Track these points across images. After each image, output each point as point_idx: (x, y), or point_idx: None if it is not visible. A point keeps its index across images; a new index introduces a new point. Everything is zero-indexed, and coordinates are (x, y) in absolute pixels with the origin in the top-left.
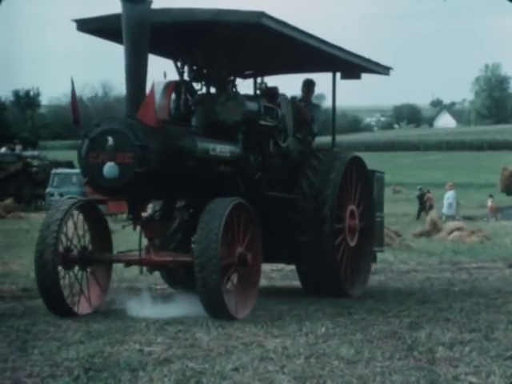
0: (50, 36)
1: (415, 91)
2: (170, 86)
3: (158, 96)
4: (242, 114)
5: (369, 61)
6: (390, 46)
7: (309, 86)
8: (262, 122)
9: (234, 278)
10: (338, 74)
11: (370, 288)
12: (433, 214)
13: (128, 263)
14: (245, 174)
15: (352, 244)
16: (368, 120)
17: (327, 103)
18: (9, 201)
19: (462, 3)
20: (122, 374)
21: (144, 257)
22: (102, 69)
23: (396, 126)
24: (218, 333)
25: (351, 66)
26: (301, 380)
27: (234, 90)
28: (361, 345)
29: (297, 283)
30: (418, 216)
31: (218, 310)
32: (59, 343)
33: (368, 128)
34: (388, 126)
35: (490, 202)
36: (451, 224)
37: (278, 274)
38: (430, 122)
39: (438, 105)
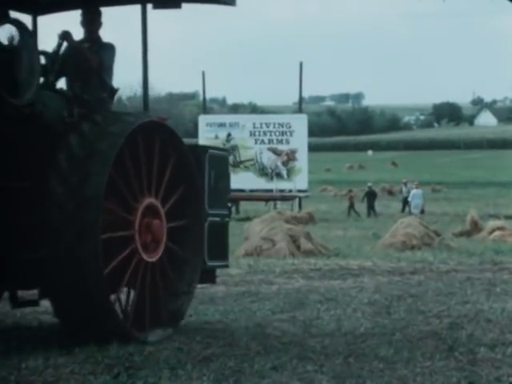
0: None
1: (455, 89)
2: None
3: None
4: None
5: None
6: (429, 44)
7: (90, 16)
8: None
9: None
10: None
11: (409, 288)
12: (472, 212)
13: None
14: None
15: (152, 258)
16: (407, 119)
17: (366, 102)
18: None
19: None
20: (162, 373)
21: None
22: (139, 69)
23: (436, 124)
24: (257, 332)
25: None
26: (340, 380)
27: None
28: (400, 345)
29: (335, 282)
30: (369, 213)
31: None
32: (100, 341)
33: (407, 127)
34: (427, 125)
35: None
36: (492, 223)
37: (316, 273)
38: (471, 120)
39: (478, 103)
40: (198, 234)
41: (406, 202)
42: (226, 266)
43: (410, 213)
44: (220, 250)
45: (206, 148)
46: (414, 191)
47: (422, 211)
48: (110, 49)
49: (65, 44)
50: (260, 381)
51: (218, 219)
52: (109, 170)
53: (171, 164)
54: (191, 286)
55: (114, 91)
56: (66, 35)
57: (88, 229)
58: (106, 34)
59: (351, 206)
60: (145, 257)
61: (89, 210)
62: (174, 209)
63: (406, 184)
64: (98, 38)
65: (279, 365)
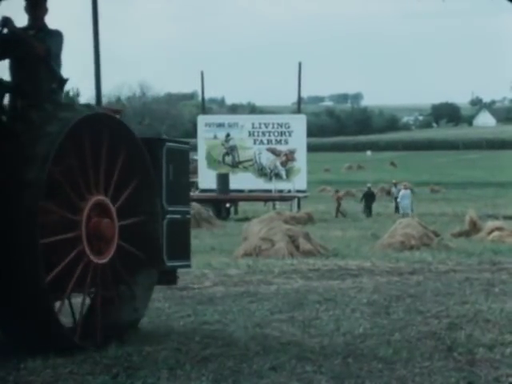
0: (87, 36)
1: (454, 90)
2: None
3: None
4: None
5: None
6: (428, 45)
7: (34, 2)
8: None
9: None
10: None
11: (407, 288)
12: (471, 213)
13: None
14: None
15: (101, 260)
16: (406, 119)
17: (365, 103)
18: None
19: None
20: (161, 373)
21: None
22: (139, 69)
23: (434, 124)
24: (255, 332)
25: None
26: (339, 380)
27: None
28: (399, 345)
29: (334, 282)
30: (368, 214)
31: None
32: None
33: (406, 127)
34: (426, 125)
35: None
36: (491, 224)
37: (315, 273)
38: (470, 120)
39: (477, 103)
40: (154, 236)
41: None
42: (188, 266)
43: (402, 214)
44: (181, 249)
45: (163, 141)
46: (402, 192)
47: (411, 211)
48: (57, 36)
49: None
50: (259, 381)
51: (178, 216)
52: (45, 177)
53: (122, 161)
54: (146, 292)
55: (63, 81)
56: (6, 22)
57: (24, 237)
58: (103, 34)
59: (338, 207)
60: (92, 257)
61: (24, 220)
62: (123, 209)
63: (395, 185)
64: (44, 24)
65: (278, 365)
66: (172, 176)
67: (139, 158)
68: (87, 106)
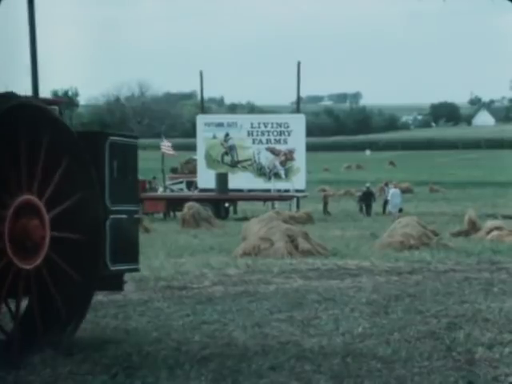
0: (86, 37)
1: (453, 89)
2: None
3: None
4: None
5: None
6: (427, 44)
7: None
8: None
9: None
10: None
11: (407, 288)
12: (470, 212)
13: None
14: None
15: (28, 265)
16: (405, 118)
17: (364, 102)
18: None
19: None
20: (160, 372)
21: None
22: (138, 68)
23: (433, 124)
24: (255, 332)
25: None
26: (338, 379)
27: None
28: (398, 345)
29: (333, 282)
30: (368, 212)
31: None
32: (98, 341)
33: (405, 126)
34: (425, 125)
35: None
36: (490, 223)
37: (314, 273)
38: (469, 120)
39: (476, 103)
40: (97, 240)
41: (386, 203)
42: (136, 270)
43: (389, 212)
44: (127, 251)
45: (105, 135)
46: (392, 191)
47: (400, 210)
48: None
49: None
50: (258, 381)
51: (123, 216)
52: None
53: (63, 161)
54: (84, 302)
55: None
56: None
57: None
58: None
59: (325, 206)
60: (17, 262)
61: None
62: (60, 212)
63: (387, 184)
64: None
65: (277, 364)
66: (117, 173)
67: (81, 155)
68: (6, 96)
